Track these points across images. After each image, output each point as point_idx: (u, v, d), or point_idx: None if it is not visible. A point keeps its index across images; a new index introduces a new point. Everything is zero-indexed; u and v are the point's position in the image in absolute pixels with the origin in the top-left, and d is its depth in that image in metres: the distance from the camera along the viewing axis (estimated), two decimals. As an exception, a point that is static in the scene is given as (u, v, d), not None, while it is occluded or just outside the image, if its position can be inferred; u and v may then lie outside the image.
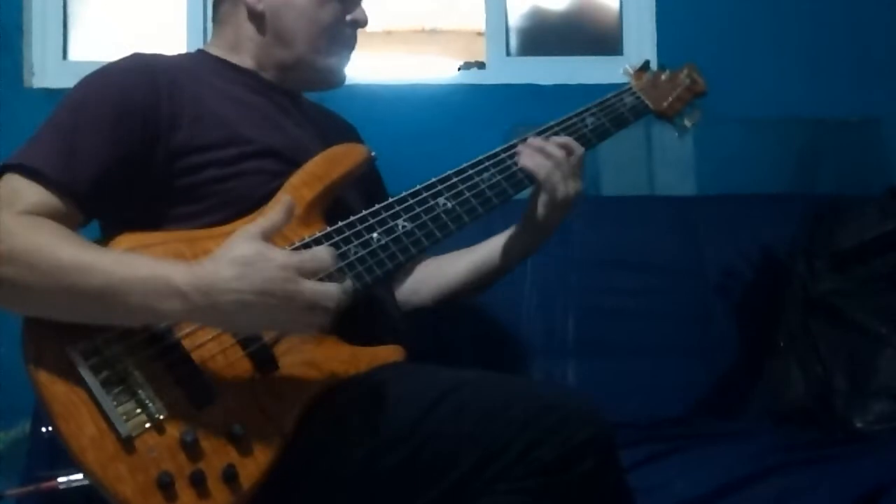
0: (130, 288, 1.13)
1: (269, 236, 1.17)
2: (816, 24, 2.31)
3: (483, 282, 1.60)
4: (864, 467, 1.46)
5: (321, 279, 1.16)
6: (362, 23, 1.50)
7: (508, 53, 2.40)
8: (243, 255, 1.13)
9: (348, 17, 1.49)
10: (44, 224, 1.20)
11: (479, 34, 2.41)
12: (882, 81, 2.30)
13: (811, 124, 2.30)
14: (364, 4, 1.52)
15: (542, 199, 1.45)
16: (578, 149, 1.46)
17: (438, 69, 2.40)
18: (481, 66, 2.38)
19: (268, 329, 1.20)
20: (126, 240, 1.25)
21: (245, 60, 1.48)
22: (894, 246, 1.83)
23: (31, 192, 1.22)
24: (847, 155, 2.31)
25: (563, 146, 1.45)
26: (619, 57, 2.36)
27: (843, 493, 1.41)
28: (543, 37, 2.44)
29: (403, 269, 1.55)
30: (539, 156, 1.44)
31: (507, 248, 1.55)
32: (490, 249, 1.58)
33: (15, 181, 1.23)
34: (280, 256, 1.14)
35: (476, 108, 2.26)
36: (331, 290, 1.15)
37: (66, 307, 1.16)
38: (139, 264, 1.16)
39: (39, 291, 1.15)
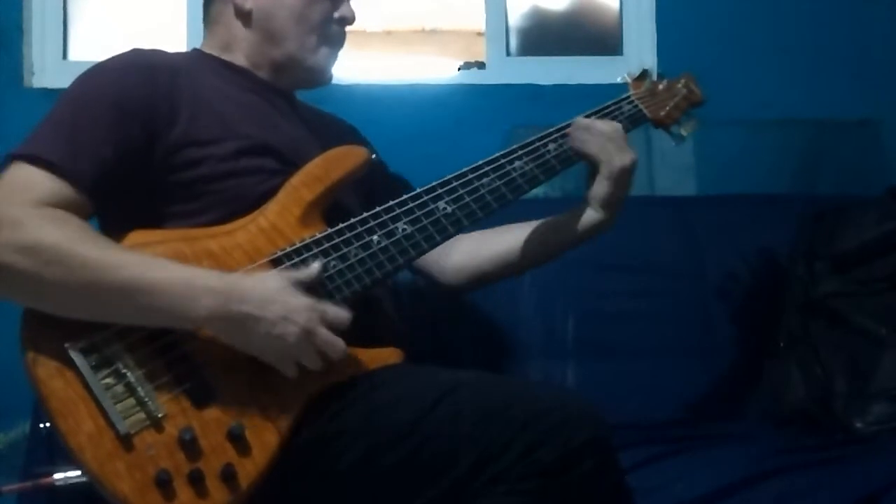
0: (163, 288, 1.16)
1: (298, 285, 1.22)
2: (816, 25, 2.30)
3: (530, 260, 1.53)
4: (864, 469, 1.46)
5: None
6: (350, 19, 1.50)
7: (508, 53, 2.39)
8: (277, 286, 1.20)
9: (336, 15, 1.48)
10: (68, 218, 1.21)
11: (479, 34, 2.40)
12: (882, 82, 2.30)
13: (811, 125, 2.30)
14: (355, 2, 1.51)
15: (602, 174, 1.42)
16: (619, 126, 1.45)
17: (438, 69, 2.39)
18: (481, 66, 2.37)
19: (271, 357, 1.20)
20: (129, 237, 1.25)
21: (239, 59, 1.47)
22: (894, 247, 1.83)
23: (44, 183, 1.23)
24: (847, 156, 2.30)
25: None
26: (619, 57, 2.35)
27: (843, 495, 1.41)
28: (543, 37, 2.43)
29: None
30: (587, 133, 1.43)
31: (567, 228, 1.47)
32: (549, 225, 1.51)
33: (26, 170, 1.24)
34: (309, 300, 1.20)
35: (476, 109, 2.25)
36: (339, 345, 1.21)
37: (88, 304, 1.17)
38: (172, 267, 1.19)
39: (60, 285, 1.16)
